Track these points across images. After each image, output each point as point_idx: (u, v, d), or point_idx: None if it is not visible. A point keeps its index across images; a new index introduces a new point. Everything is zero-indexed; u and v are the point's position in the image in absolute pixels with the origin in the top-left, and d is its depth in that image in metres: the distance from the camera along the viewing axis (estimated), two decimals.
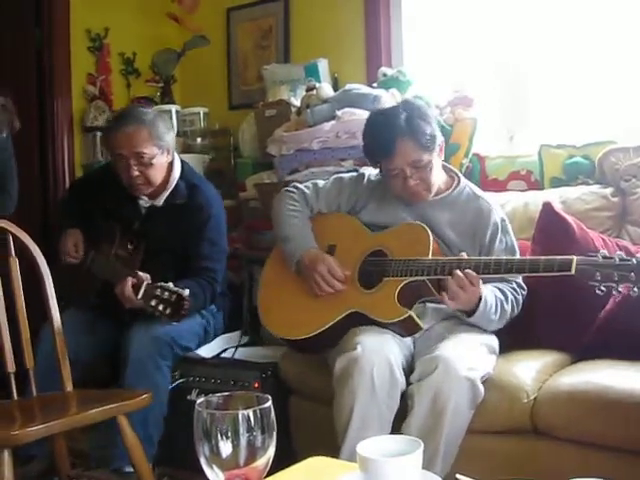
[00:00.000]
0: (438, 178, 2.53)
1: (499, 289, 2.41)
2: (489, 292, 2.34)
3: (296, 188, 2.72)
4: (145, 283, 2.42)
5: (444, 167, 2.61)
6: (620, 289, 2.09)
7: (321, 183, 2.73)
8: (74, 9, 4.19)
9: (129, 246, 2.95)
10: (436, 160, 2.48)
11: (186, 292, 2.36)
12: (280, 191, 2.79)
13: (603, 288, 2.09)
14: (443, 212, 2.54)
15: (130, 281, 2.56)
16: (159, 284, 2.38)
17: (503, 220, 2.55)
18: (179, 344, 2.90)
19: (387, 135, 2.44)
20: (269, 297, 2.71)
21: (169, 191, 3.00)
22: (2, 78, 4.12)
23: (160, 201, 3.01)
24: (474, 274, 2.26)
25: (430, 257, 2.38)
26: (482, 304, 2.31)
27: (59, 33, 4.14)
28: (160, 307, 2.36)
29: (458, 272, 2.26)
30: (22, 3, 4.18)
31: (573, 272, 2.14)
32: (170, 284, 2.39)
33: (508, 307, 2.40)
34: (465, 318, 2.38)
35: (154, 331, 2.78)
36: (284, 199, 2.70)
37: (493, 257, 2.36)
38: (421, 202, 2.53)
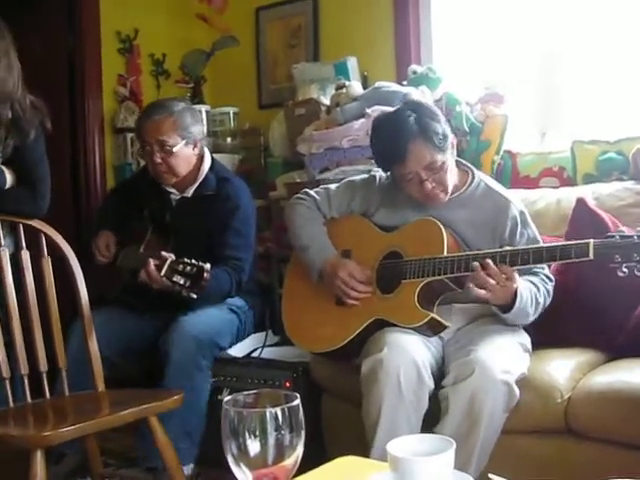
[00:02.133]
0: (454, 176, 2.46)
1: (530, 281, 2.35)
2: (524, 286, 2.29)
3: (307, 195, 2.68)
4: (169, 260, 2.43)
5: (457, 162, 2.53)
6: None
7: (333, 188, 2.68)
8: (104, 11, 4.22)
9: (159, 239, 2.97)
10: (450, 159, 2.42)
11: (207, 265, 2.37)
12: (291, 199, 2.77)
13: (625, 269, 2.03)
14: (459, 211, 2.46)
15: (152, 261, 2.57)
16: (182, 259, 2.39)
17: (522, 213, 2.47)
18: (217, 343, 2.91)
19: (398, 139, 2.36)
20: (291, 309, 2.70)
21: (198, 182, 3.05)
22: (34, 81, 4.14)
23: (189, 192, 3.06)
24: (509, 268, 2.20)
25: (445, 254, 2.33)
26: (518, 299, 2.25)
27: (90, 35, 4.18)
28: (182, 281, 2.37)
29: (492, 266, 2.20)
30: (54, 6, 4.22)
31: (591, 256, 2.08)
32: (193, 260, 2.40)
33: (541, 299, 2.36)
34: (502, 314, 2.32)
35: (195, 331, 2.80)
36: (296, 207, 2.67)
37: (508, 248, 2.28)
38: (435, 205, 2.46)
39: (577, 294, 2.48)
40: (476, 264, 2.22)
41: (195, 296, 2.43)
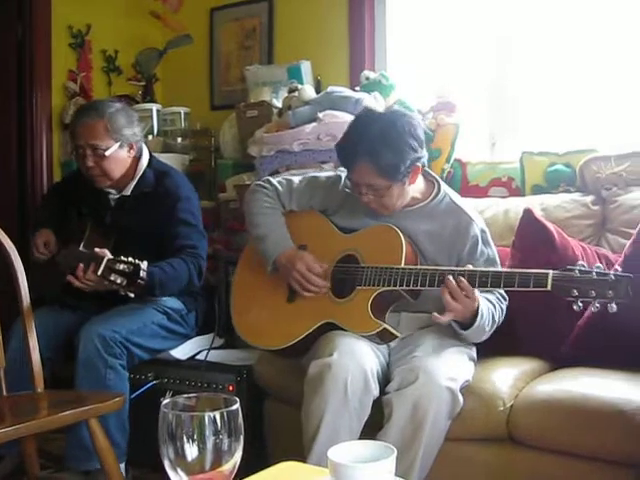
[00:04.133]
0: (403, 198, 2.40)
1: (488, 300, 2.34)
2: (483, 304, 2.28)
3: (269, 183, 2.64)
4: (105, 259, 2.39)
5: (424, 173, 2.49)
6: (598, 305, 2.03)
7: (295, 181, 2.64)
8: (56, 4, 4.15)
9: (98, 238, 2.92)
10: (399, 186, 2.35)
11: (144, 264, 2.34)
12: (252, 185, 2.72)
13: (580, 304, 2.04)
14: (420, 223, 2.44)
15: (82, 265, 2.52)
16: (119, 258, 2.36)
17: (483, 231, 2.45)
18: (134, 342, 2.85)
19: (352, 148, 2.34)
20: (241, 301, 2.67)
21: (136, 180, 3.00)
22: None
23: (128, 191, 3.01)
24: (469, 286, 2.18)
25: (403, 265, 2.32)
26: (478, 317, 2.25)
27: (40, 28, 4.11)
28: (118, 280, 2.34)
29: (452, 282, 2.19)
30: None
31: (549, 288, 2.09)
32: (130, 258, 2.36)
33: (497, 318, 2.35)
34: (460, 331, 2.31)
35: (102, 330, 2.75)
36: (256, 194, 2.62)
37: (468, 268, 2.25)
38: (395, 212, 2.44)
39: (523, 302, 2.50)
40: (447, 278, 2.20)
41: (133, 295, 2.40)
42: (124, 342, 2.80)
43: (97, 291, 2.57)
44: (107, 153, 2.87)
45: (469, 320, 2.26)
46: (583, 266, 2.08)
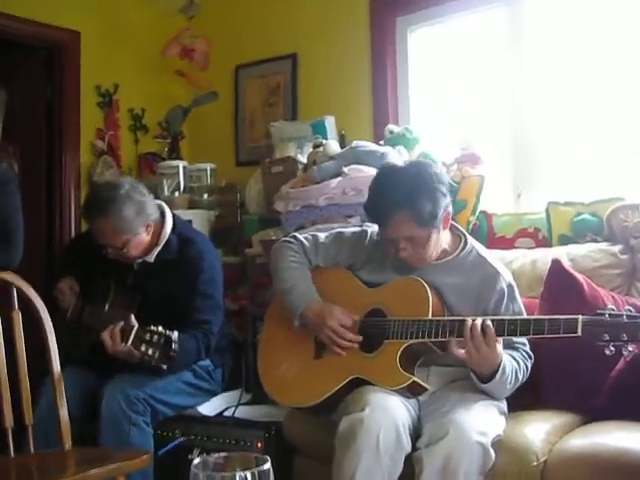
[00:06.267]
0: (437, 247, 2.41)
1: (512, 357, 2.32)
2: (506, 360, 2.26)
3: (295, 239, 2.65)
4: (135, 328, 2.39)
5: (451, 226, 2.49)
6: (630, 348, 2.01)
7: (322, 237, 2.65)
8: (85, 64, 4.25)
9: (122, 299, 2.93)
10: (435, 234, 2.36)
11: (175, 335, 2.32)
12: (278, 241, 2.73)
13: (612, 348, 2.01)
14: (447, 276, 2.42)
15: (119, 325, 2.53)
16: (149, 328, 2.35)
17: (510, 285, 2.43)
18: (158, 399, 2.85)
19: (385, 203, 2.32)
20: (268, 358, 2.66)
21: (160, 247, 3.00)
22: (13, 131, 4.16)
23: (152, 257, 3.01)
24: (493, 337, 2.17)
25: (430, 317, 2.30)
26: (500, 372, 2.23)
27: (69, 88, 4.20)
28: (150, 351, 2.33)
29: (477, 330, 2.17)
30: (34, 58, 4.24)
31: (579, 333, 2.06)
32: (160, 327, 2.34)
33: (520, 376, 2.33)
34: (480, 384, 2.29)
35: (126, 387, 2.76)
36: (283, 250, 2.63)
37: (496, 317, 2.24)
38: (423, 267, 2.43)
39: (551, 355, 2.47)
40: (468, 323, 2.19)
41: (165, 367, 2.39)
42: (148, 399, 2.80)
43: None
44: (124, 250, 2.90)
45: (489, 374, 2.24)
46: (613, 310, 2.06)
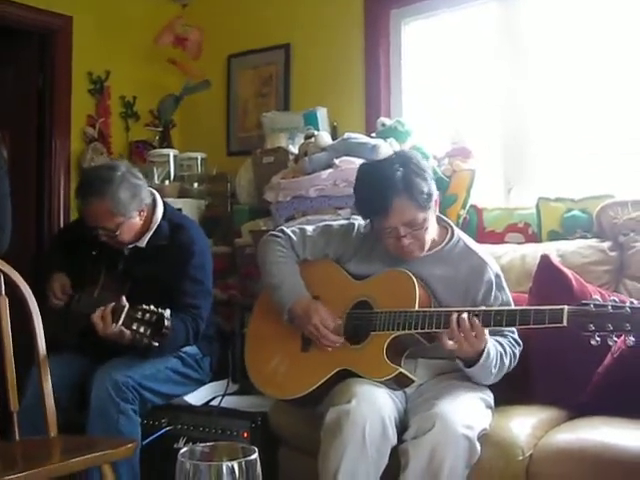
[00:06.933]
0: (433, 233, 2.44)
1: (498, 342, 2.34)
2: (491, 345, 2.27)
3: (283, 232, 2.65)
4: (126, 307, 2.38)
5: (437, 218, 2.51)
6: (615, 338, 2.02)
7: (309, 230, 2.65)
8: (77, 51, 4.24)
9: (112, 284, 2.92)
10: (431, 217, 2.41)
11: (167, 312, 2.31)
12: (265, 235, 2.73)
13: (598, 338, 2.02)
14: (434, 267, 2.44)
15: (110, 306, 2.52)
16: (140, 306, 2.34)
17: (497, 276, 2.45)
18: (147, 387, 2.84)
19: (383, 192, 2.32)
20: (255, 351, 2.66)
21: (152, 232, 3.00)
22: (3, 117, 4.13)
23: (143, 242, 3.01)
24: (480, 327, 2.18)
25: (417, 308, 2.31)
26: (484, 356, 2.24)
27: (61, 74, 4.19)
28: (141, 329, 2.32)
29: (466, 323, 2.18)
30: (26, 43, 4.22)
31: (565, 323, 2.07)
32: (151, 306, 2.34)
33: (507, 361, 2.34)
34: (464, 368, 2.31)
35: (115, 374, 2.75)
36: (271, 244, 2.63)
37: (482, 308, 2.26)
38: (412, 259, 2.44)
39: (539, 350, 2.48)
40: (454, 317, 2.20)
41: (157, 344, 2.37)
42: (136, 387, 2.79)
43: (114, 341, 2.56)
44: (117, 232, 2.89)
45: (475, 358, 2.26)
46: (598, 300, 2.07)
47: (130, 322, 2.35)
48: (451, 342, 2.21)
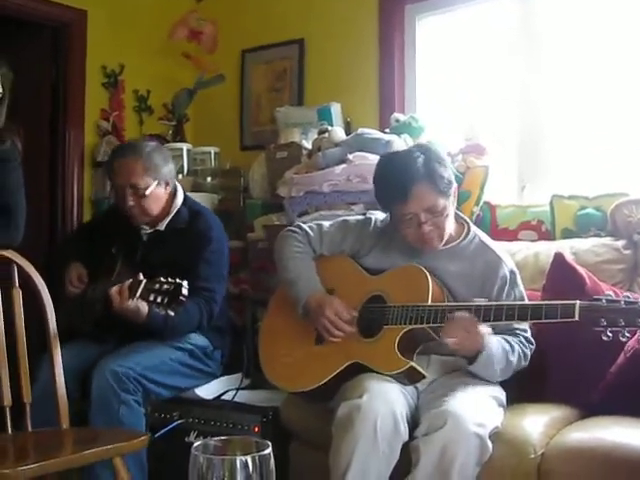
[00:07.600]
0: (452, 223, 2.46)
1: (505, 340, 2.35)
2: (494, 342, 2.28)
3: (300, 228, 2.67)
4: (144, 281, 2.41)
5: (455, 215, 2.52)
6: (627, 334, 2.01)
7: (326, 225, 2.66)
8: (91, 45, 4.24)
9: (128, 273, 2.94)
10: (451, 207, 2.42)
11: (185, 282, 2.34)
12: (283, 231, 2.74)
13: (610, 334, 2.02)
14: (450, 263, 2.45)
15: (128, 282, 2.54)
16: (158, 279, 2.38)
17: (512, 272, 2.47)
18: (150, 379, 2.84)
19: (403, 178, 2.36)
20: (270, 345, 2.67)
21: (171, 216, 3.06)
22: (17, 110, 4.13)
23: (162, 226, 3.06)
24: (468, 319, 2.20)
25: (429, 302, 2.32)
26: (484, 353, 2.25)
27: (75, 68, 4.19)
28: (159, 299, 2.35)
29: (455, 315, 2.21)
30: (40, 37, 4.23)
31: (577, 318, 2.07)
32: (169, 278, 2.38)
33: (514, 359, 2.34)
34: (467, 366, 2.32)
35: (115, 365, 2.76)
36: (288, 239, 2.65)
37: (494, 302, 2.28)
38: (428, 252, 2.45)
39: (553, 349, 2.47)
40: (451, 314, 2.22)
41: (173, 313, 2.40)
42: (138, 378, 2.80)
43: (130, 324, 2.57)
44: (147, 192, 2.94)
45: (476, 354, 2.27)
46: (610, 296, 2.07)
47: (147, 294, 2.38)
48: (452, 339, 2.22)
